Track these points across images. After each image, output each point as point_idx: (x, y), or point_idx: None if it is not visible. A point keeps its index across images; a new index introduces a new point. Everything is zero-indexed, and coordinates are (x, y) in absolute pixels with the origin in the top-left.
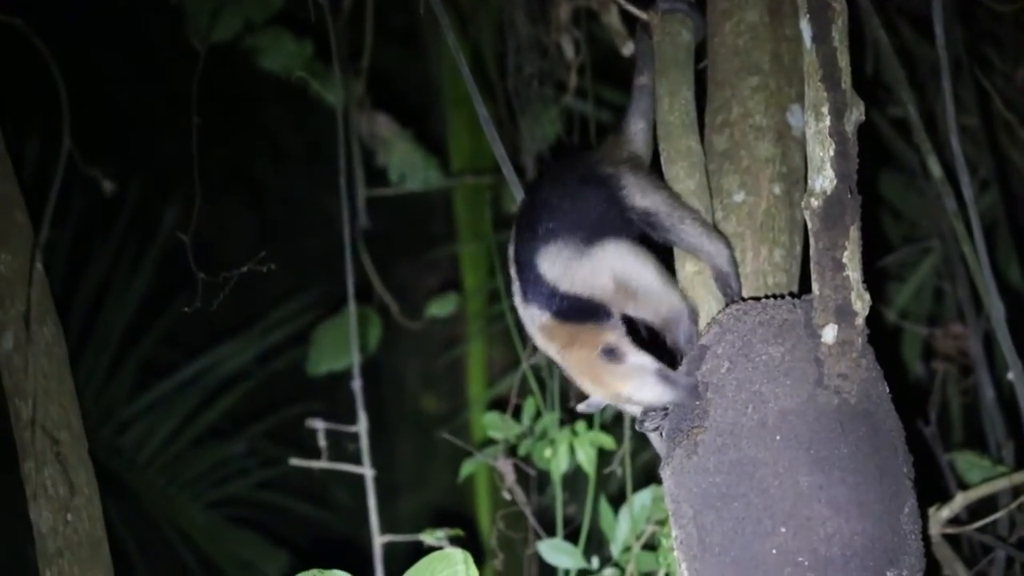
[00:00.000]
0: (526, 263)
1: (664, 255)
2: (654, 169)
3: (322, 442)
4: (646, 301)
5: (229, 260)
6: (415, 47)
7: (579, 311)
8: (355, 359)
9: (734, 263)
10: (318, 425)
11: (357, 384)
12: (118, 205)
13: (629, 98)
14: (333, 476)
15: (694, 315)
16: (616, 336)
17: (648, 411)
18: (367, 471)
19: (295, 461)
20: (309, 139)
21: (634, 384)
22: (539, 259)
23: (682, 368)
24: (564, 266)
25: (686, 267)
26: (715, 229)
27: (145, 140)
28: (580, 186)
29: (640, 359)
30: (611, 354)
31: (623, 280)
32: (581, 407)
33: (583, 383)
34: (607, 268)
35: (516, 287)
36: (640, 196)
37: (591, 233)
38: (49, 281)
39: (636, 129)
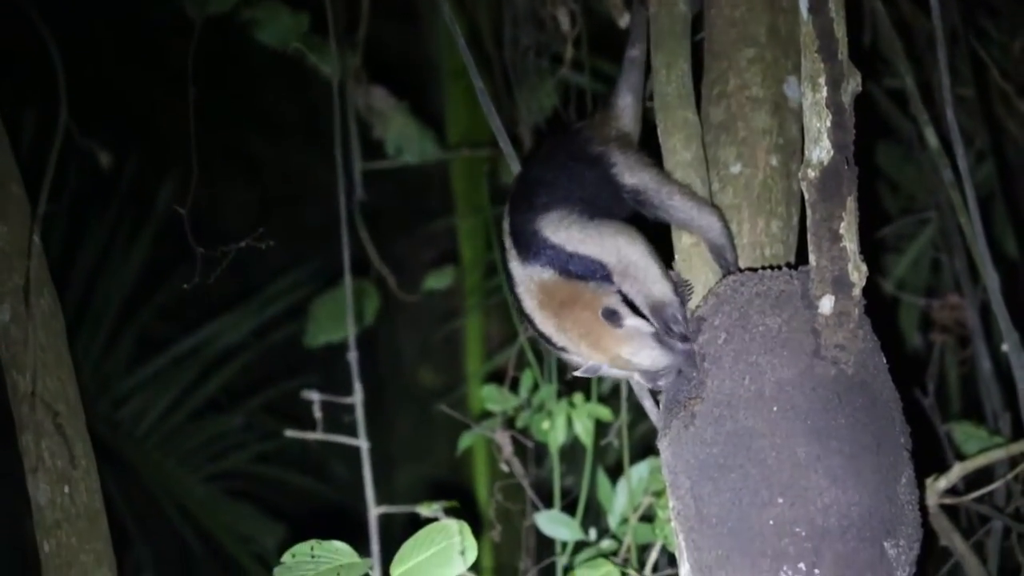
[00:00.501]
0: (525, 231)
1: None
2: (644, 144)
3: (317, 413)
4: (641, 282)
5: (227, 233)
6: (412, 19)
7: (584, 270)
8: (350, 331)
9: (728, 235)
10: (313, 396)
11: (353, 356)
12: (115, 178)
13: (619, 71)
14: (331, 449)
15: (682, 305)
16: (615, 300)
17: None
18: (362, 443)
19: (290, 432)
20: (307, 112)
21: (632, 346)
22: (540, 226)
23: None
24: (568, 231)
25: (683, 240)
26: (706, 202)
27: (143, 113)
28: (573, 164)
29: (637, 322)
30: (611, 316)
31: (624, 256)
32: (579, 372)
33: (580, 345)
34: (612, 242)
35: (512, 252)
36: (629, 174)
37: (590, 208)
38: (46, 254)
39: (624, 104)
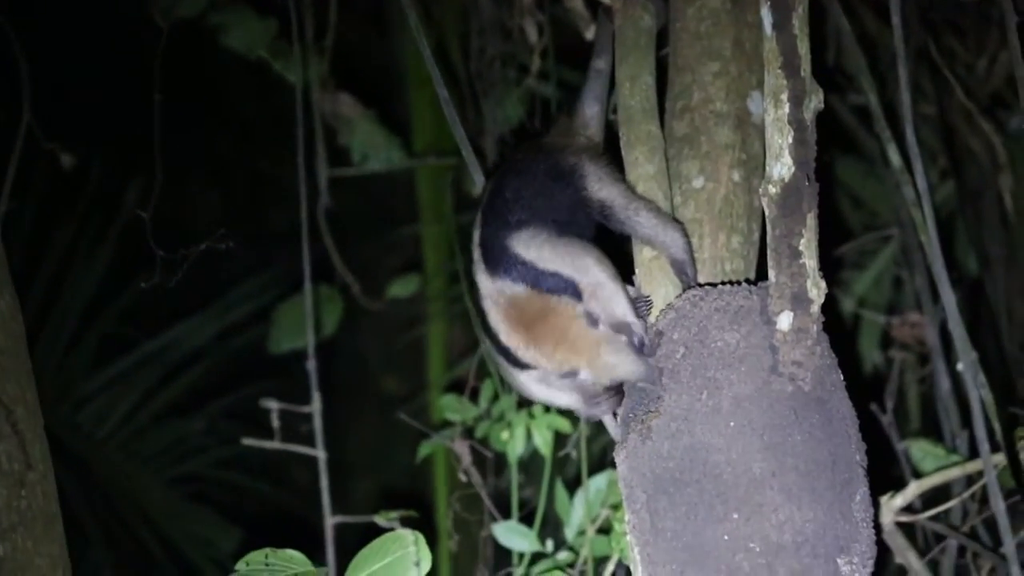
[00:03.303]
0: (495, 245)
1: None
2: (609, 155)
3: (275, 422)
4: (605, 302)
5: (193, 236)
6: (380, 27)
7: (556, 286)
8: (310, 340)
9: (689, 251)
10: (271, 405)
11: (312, 365)
12: (81, 180)
13: (584, 81)
14: (291, 455)
15: (644, 329)
16: (592, 308)
17: (595, 396)
18: (320, 453)
19: (248, 441)
20: (275, 115)
21: (611, 349)
22: (512, 243)
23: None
24: (540, 249)
25: (643, 253)
26: (670, 218)
27: (109, 116)
28: (547, 180)
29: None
30: (591, 318)
31: (594, 277)
32: (556, 377)
33: (555, 352)
34: (582, 262)
35: (481, 265)
36: (598, 187)
37: (564, 227)
38: (9, 255)
39: (591, 113)
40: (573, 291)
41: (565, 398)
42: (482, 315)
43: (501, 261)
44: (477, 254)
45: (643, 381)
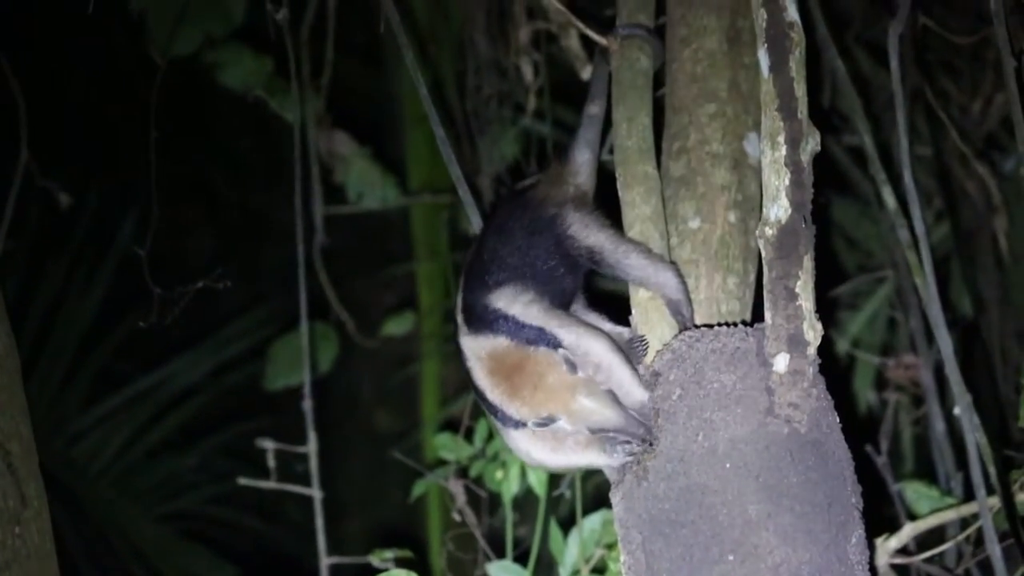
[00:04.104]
0: (477, 306)
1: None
2: (600, 196)
3: (271, 462)
4: (605, 373)
5: (187, 272)
6: (376, 65)
7: (537, 337)
8: (307, 379)
9: (684, 290)
10: (267, 445)
11: (308, 405)
12: (75, 216)
13: (578, 126)
14: (285, 492)
15: (651, 407)
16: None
17: (613, 443)
18: (315, 493)
19: (244, 480)
20: (270, 151)
21: (587, 393)
22: (493, 300)
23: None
24: (527, 308)
25: (640, 293)
26: (662, 259)
27: (104, 151)
28: (526, 236)
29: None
30: (570, 363)
31: (585, 347)
32: (532, 424)
33: (534, 396)
34: (575, 328)
35: (464, 328)
36: (585, 235)
37: (544, 286)
38: (4, 291)
39: (582, 160)
40: (552, 342)
41: (579, 457)
42: (468, 375)
43: (483, 319)
44: (460, 319)
45: (621, 431)
